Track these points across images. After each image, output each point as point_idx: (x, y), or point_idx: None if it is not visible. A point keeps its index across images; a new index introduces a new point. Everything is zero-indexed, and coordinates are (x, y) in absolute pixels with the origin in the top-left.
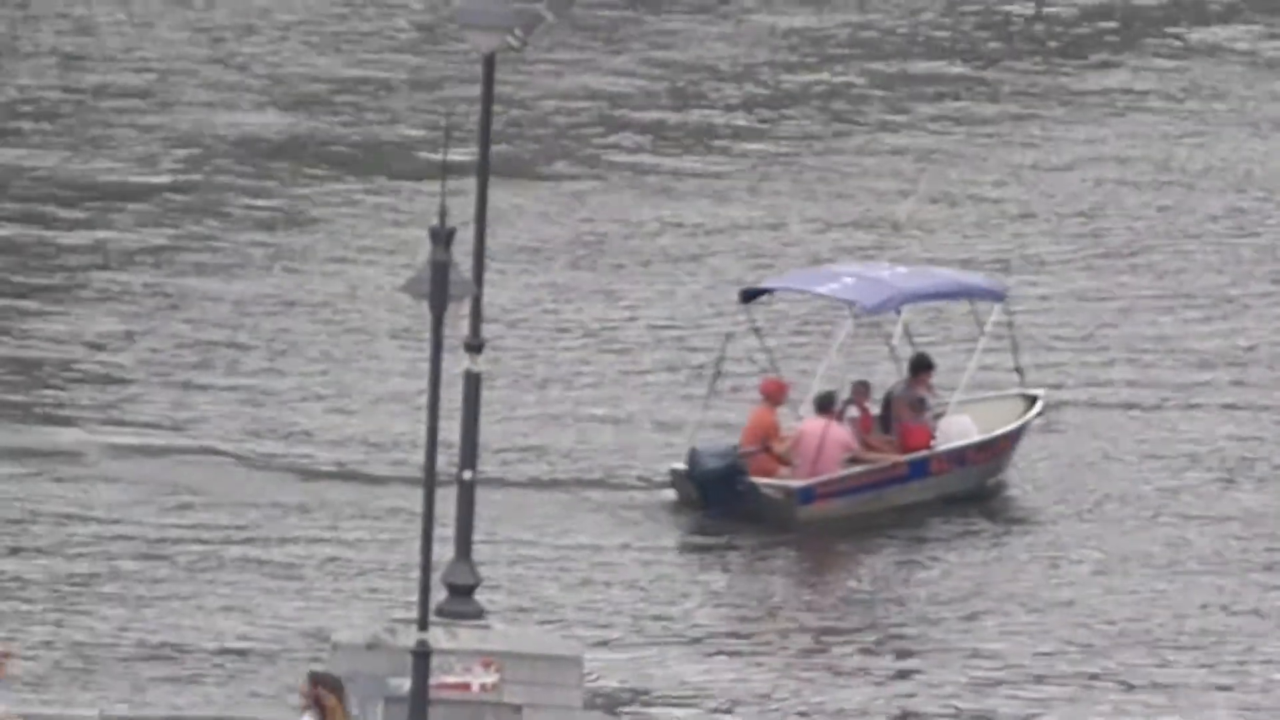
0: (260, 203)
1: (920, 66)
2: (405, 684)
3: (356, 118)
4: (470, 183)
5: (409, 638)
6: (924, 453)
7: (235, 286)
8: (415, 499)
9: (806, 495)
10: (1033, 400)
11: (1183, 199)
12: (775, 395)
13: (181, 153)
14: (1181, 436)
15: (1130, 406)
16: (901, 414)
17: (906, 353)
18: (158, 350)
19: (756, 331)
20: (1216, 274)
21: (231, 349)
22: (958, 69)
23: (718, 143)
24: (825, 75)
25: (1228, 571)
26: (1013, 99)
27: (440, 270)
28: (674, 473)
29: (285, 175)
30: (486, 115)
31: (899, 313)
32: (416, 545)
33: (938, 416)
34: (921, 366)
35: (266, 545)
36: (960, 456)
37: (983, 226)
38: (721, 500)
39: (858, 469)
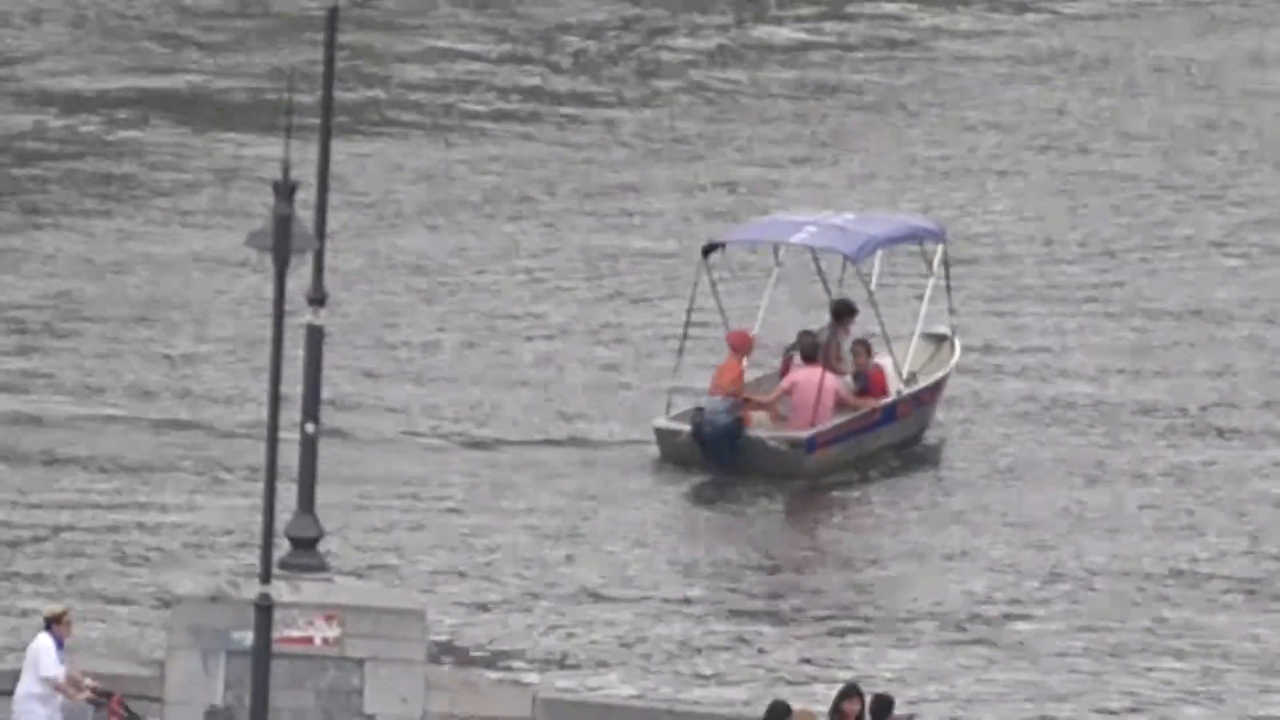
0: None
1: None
2: (248, 638)
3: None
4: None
5: (251, 591)
6: (893, 398)
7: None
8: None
9: (811, 445)
10: (940, 339)
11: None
12: (742, 347)
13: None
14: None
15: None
16: (830, 360)
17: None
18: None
19: (713, 285)
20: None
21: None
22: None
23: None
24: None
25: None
26: None
27: (282, 223)
28: (661, 430)
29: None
30: (329, 68)
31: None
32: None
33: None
34: (845, 312)
35: (123, 503)
36: (918, 399)
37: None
38: (724, 456)
39: (845, 417)
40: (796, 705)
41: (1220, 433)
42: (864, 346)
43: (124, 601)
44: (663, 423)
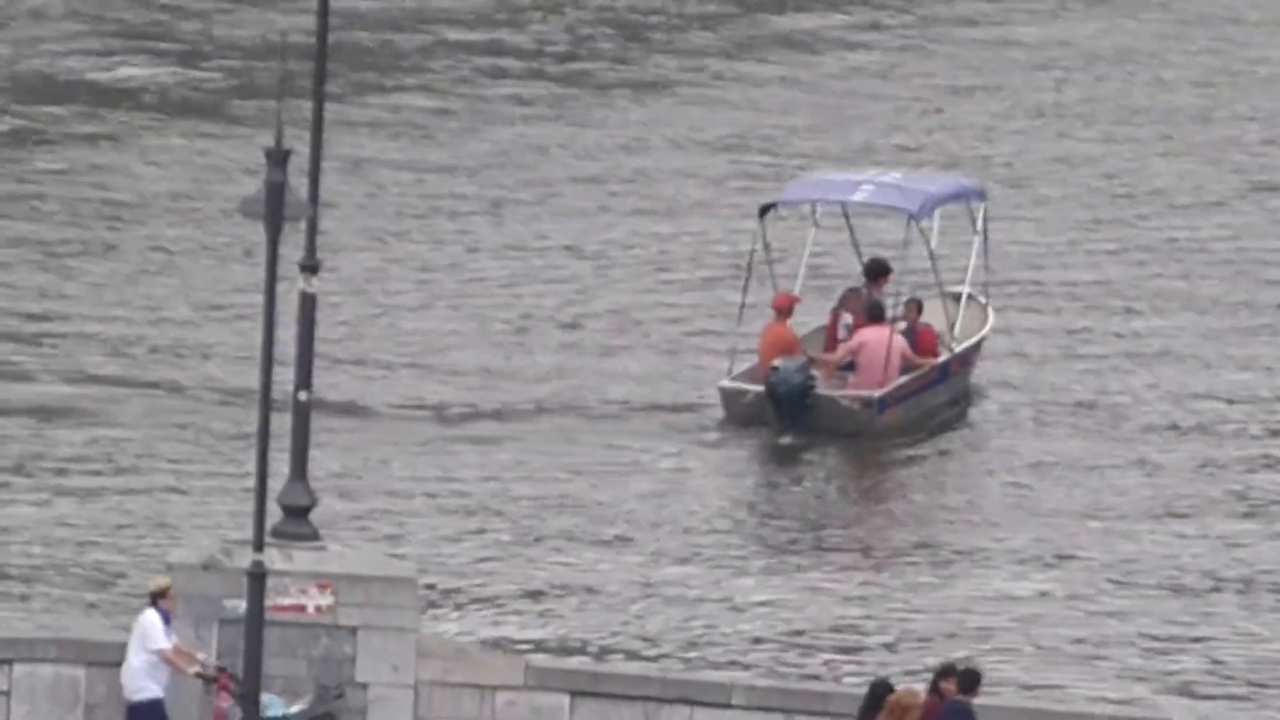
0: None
1: None
2: (241, 605)
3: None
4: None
5: (244, 559)
6: (946, 356)
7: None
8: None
9: (883, 404)
10: (957, 298)
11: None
12: (788, 309)
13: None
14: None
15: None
16: (860, 318)
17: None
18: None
19: (767, 247)
20: None
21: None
22: None
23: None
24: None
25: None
26: None
27: (275, 190)
28: (726, 391)
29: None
30: (323, 33)
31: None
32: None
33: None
34: (880, 271)
35: (116, 465)
36: (966, 358)
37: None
38: (797, 415)
39: (910, 375)
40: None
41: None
42: (916, 305)
43: (108, 569)
44: (727, 383)
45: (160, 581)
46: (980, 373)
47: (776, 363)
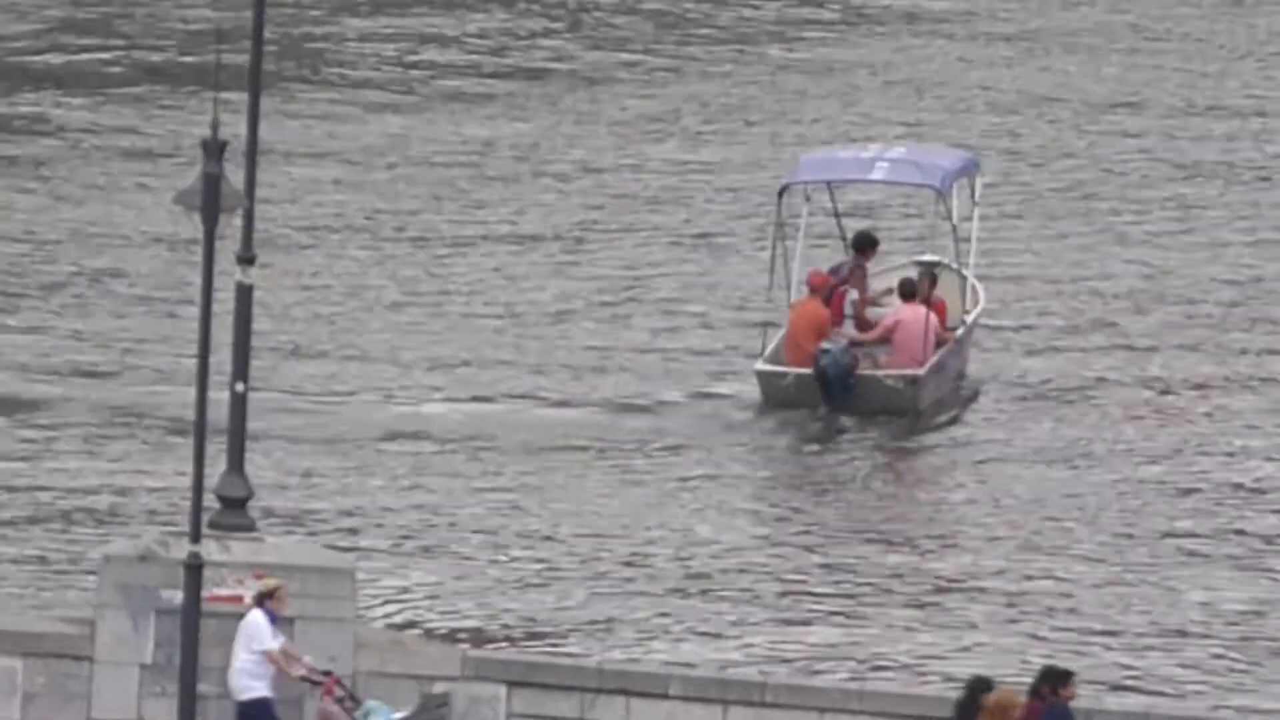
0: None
1: None
2: (177, 596)
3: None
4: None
5: (181, 550)
6: (960, 329)
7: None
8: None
9: (925, 382)
10: (931, 266)
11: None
12: (822, 288)
13: None
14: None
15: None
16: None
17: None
18: None
19: (779, 227)
20: None
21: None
22: None
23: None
24: None
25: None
26: None
27: (212, 182)
28: (762, 373)
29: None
30: (259, 22)
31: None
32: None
33: (843, 281)
34: (867, 244)
35: (57, 460)
36: (970, 331)
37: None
38: (842, 396)
39: (940, 351)
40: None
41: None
42: (931, 279)
43: (46, 560)
44: (764, 365)
45: (269, 582)
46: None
47: (825, 345)
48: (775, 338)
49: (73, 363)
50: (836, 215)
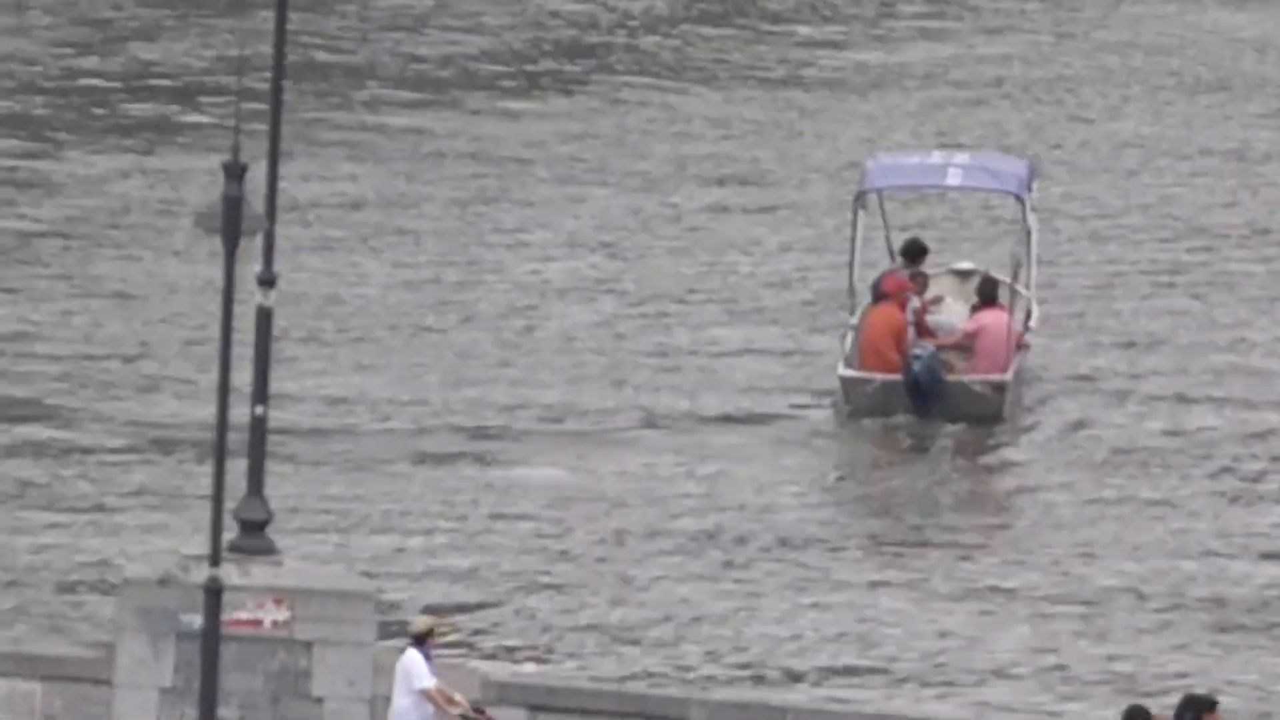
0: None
1: None
2: (197, 620)
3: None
4: None
5: (201, 574)
6: (1028, 334)
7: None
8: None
9: (1011, 387)
10: (967, 274)
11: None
12: (898, 293)
13: None
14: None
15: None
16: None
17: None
18: None
19: (854, 236)
20: None
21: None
22: None
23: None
24: None
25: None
26: None
27: (232, 205)
28: (847, 379)
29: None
30: (280, 43)
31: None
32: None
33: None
34: (919, 251)
35: (66, 479)
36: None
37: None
38: (933, 400)
39: (1019, 356)
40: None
41: None
42: (992, 283)
43: (68, 585)
44: (847, 371)
45: (425, 622)
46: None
47: (917, 351)
48: (847, 343)
49: (97, 382)
50: (885, 223)
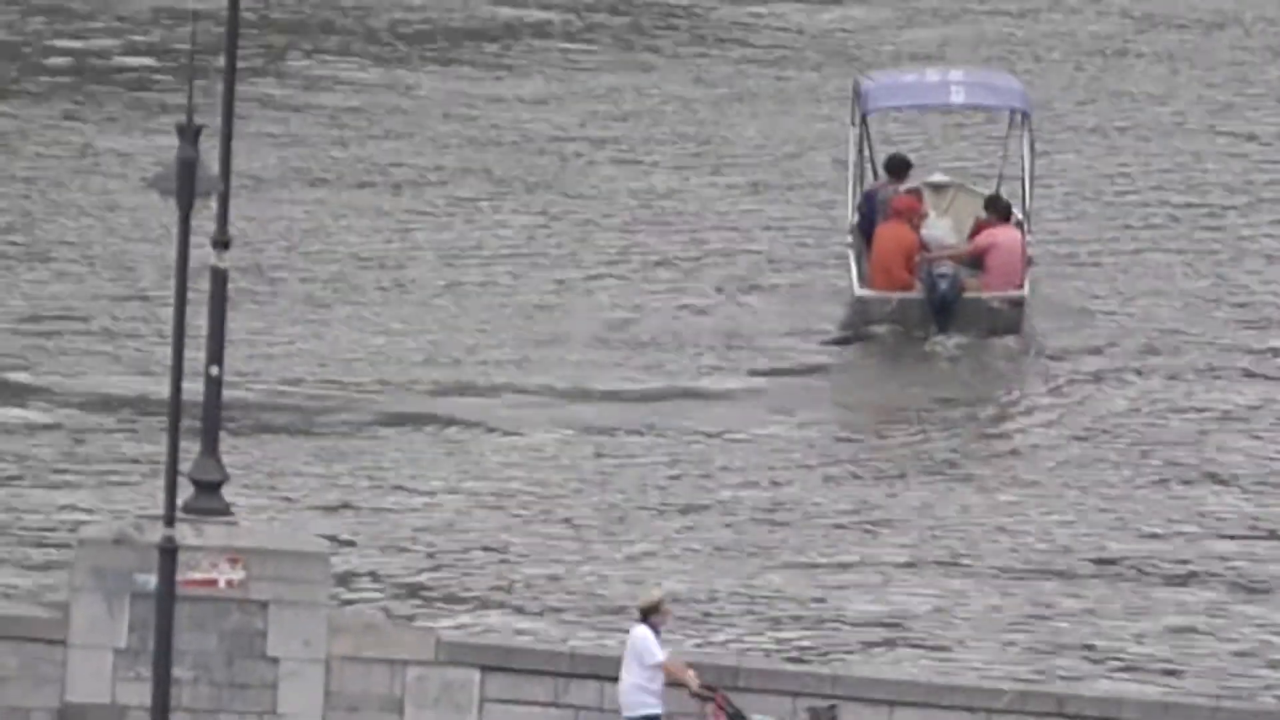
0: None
1: None
2: (152, 580)
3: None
4: None
5: (155, 534)
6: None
7: None
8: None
9: (1027, 302)
10: (942, 187)
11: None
12: (910, 212)
13: None
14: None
15: None
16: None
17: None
18: None
19: (861, 154)
20: None
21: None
22: None
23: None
24: None
25: None
26: None
27: (186, 166)
28: (865, 299)
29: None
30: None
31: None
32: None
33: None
34: (902, 166)
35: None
36: None
37: None
38: (952, 316)
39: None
40: None
41: None
42: (1003, 199)
43: (23, 543)
44: (864, 291)
45: (651, 597)
46: None
47: (941, 269)
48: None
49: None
50: (868, 141)
